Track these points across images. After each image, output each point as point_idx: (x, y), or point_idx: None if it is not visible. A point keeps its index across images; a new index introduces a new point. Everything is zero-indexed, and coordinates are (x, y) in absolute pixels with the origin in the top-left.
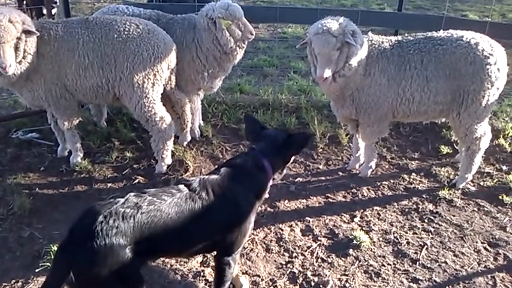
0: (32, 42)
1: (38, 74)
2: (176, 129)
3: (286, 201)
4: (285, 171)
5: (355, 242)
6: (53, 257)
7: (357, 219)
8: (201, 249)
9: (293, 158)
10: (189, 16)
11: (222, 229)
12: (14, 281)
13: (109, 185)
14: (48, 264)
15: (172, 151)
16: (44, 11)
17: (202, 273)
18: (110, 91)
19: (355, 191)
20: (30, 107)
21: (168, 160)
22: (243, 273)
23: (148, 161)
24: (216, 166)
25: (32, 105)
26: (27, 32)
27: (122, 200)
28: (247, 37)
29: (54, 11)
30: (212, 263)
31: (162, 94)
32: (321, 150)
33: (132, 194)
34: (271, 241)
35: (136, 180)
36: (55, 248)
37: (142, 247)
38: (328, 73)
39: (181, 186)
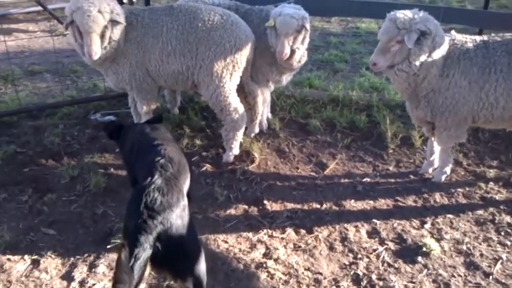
0: (118, 30)
1: (124, 57)
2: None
3: (353, 201)
4: None
5: (424, 249)
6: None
7: (427, 226)
8: None
9: None
10: (268, 7)
11: None
12: (86, 254)
13: None
14: (119, 241)
15: (239, 142)
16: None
17: (264, 265)
18: (189, 78)
19: (427, 196)
20: (114, 89)
21: (236, 150)
22: (305, 269)
23: (216, 150)
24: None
25: (116, 86)
26: (114, 22)
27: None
28: (278, 55)
29: None
30: (275, 255)
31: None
32: (392, 151)
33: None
34: (335, 240)
35: (204, 168)
36: None
37: None
38: (380, 61)
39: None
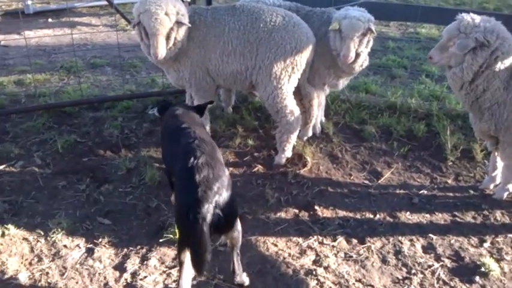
0: (182, 30)
1: (186, 56)
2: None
3: (408, 213)
4: None
5: (482, 269)
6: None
7: (486, 245)
8: None
9: None
10: (330, 10)
11: None
12: (139, 246)
13: (230, 169)
14: (171, 236)
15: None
16: None
17: (314, 272)
18: (247, 78)
19: (487, 213)
20: (173, 85)
21: (289, 153)
22: (356, 280)
23: (268, 151)
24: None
25: (176, 84)
26: (179, 23)
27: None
28: (342, 59)
29: None
30: (325, 263)
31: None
32: (451, 163)
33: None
34: (388, 253)
35: (256, 169)
36: None
37: None
38: (435, 56)
39: None
